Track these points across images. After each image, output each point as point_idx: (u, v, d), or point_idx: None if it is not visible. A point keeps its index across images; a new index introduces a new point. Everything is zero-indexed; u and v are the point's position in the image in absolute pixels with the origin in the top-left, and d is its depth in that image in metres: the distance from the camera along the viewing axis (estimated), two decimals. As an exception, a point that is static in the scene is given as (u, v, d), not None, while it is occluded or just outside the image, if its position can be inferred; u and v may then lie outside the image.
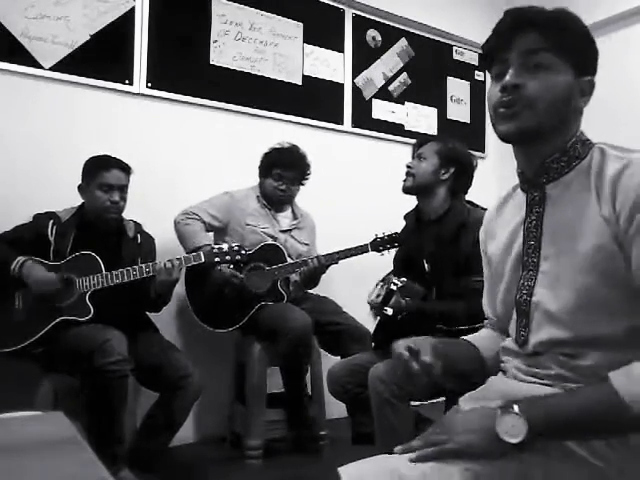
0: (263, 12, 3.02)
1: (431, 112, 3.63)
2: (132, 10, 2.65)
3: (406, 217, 2.15)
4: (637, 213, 0.86)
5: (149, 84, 2.68)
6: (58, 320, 2.02)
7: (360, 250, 2.38)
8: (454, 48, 3.76)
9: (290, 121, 3.08)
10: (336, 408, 2.48)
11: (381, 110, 3.42)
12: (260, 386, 2.43)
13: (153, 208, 2.54)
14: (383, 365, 1.71)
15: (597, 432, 0.86)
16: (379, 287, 1.86)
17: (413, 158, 2.05)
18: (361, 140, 3.36)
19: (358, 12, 3.35)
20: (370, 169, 3.32)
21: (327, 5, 3.24)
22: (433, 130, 3.60)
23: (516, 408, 0.84)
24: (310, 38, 3.17)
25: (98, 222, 2.19)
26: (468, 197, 2.07)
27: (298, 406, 2.54)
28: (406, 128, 3.50)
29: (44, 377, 2.04)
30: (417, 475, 0.84)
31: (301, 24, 3.14)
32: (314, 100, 3.18)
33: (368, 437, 1.82)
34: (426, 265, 1.92)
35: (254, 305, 2.43)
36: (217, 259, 2.20)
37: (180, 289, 2.46)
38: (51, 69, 2.46)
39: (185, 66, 2.79)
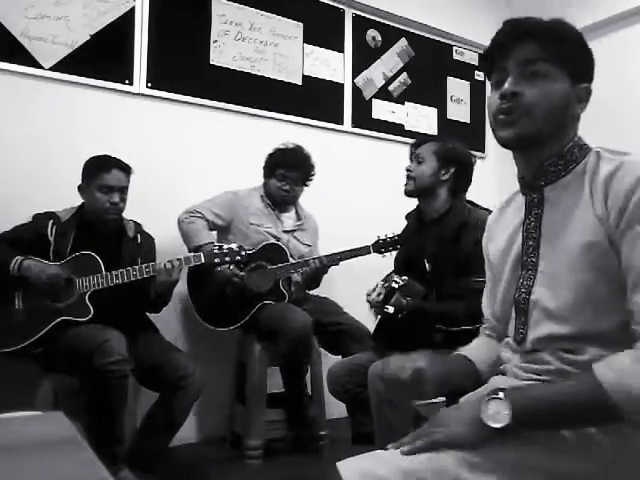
0: (263, 12, 3.02)
1: (431, 112, 3.63)
2: (132, 10, 2.65)
3: (407, 217, 2.15)
4: (626, 211, 0.90)
5: (149, 84, 2.68)
6: (58, 320, 2.02)
7: (362, 251, 2.40)
8: (454, 48, 3.76)
9: (290, 121, 3.08)
10: (336, 408, 2.48)
11: (381, 110, 3.42)
12: (260, 386, 2.43)
13: (153, 208, 2.54)
14: (382, 364, 1.70)
15: (579, 419, 0.89)
16: (380, 286, 1.86)
17: (411, 160, 2.04)
18: (361, 140, 3.36)
19: (358, 12, 3.35)
20: (370, 169, 3.32)
21: (327, 5, 3.24)
22: (433, 130, 3.60)
23: (501, 394, 0.89)
24: (310, 38, 3.17)
25: (98, 222, 2.19)
26: (468, 197, 2.07)
27: (298, 406, 2.54)
28: (406, 128, 3.50)
29: (44, 377, 2.04)
30: (413, 465, 0.87)
31: (301, 24, 3.14)
32: (314, 100, 3.18)
33: (368, 437, 1.82)
34: (427, 265, 1.92)
35: (255, 304, 2.44)
36: (217, 260, 2.19)
37: (181, 289, 2.46)
38: (51, 69, 2.46)
39: (185, 66, 2.79)
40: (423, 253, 1.95)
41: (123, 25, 2.62)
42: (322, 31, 3.23)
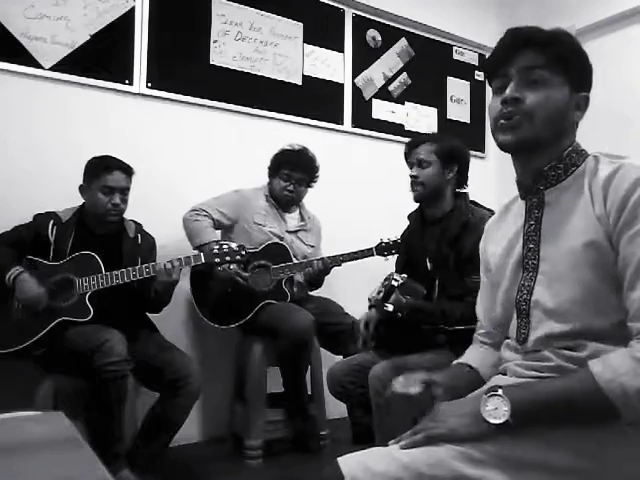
0: (263, 12, 3.02)
1: (431, 112, 3.63)
2: (132, 10, 2.65)
3: (410, 217, 2.15)
4: (624, 211, 0.92)
5: (149, 84, 2.68)
6: (58, 320, 2.02)
7: (365, 254, 2.45)
8: (454, 48, 3.75)
9: (290, 121, 3.08)
10: (336, 408, 2.48)
11: (381, 110, 3.42)
12: (260, 386, 2.44)
13: (153, 208, 2.54)
14: (383, 364, 1.70)
15: (577, 415, 0.90)
16: (380, 284, 1.86)
17: (407, 163, 2.03)
18: (361, 140, 3.36)
19: (358, 12, 3.35)
20: (370, 169, 3.32)
21: (327, 5, 3.24)
22: (433, 130, 3.59)
23: (500, 391, 0.91)
24: (310, 38, 3.17)
25: (98, 223, 2.19)
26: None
27: (298, 406, 2.54)
28: (406, 128, 3.49)
29: (44, 377, 2.04)
30: (412, 459, 0.89)
31: (301, 24, 3.14)
32: (314, 100, 3.17)
33: (368, 437, 1.82)
34: (429, 264, 1.92)
35: (258, 302, 2.44)
36: (217, 259, 2.19)
37: (181, 289, 2.46)
38: (51, 69, 2.46)
39: (185, 66, 2.79)
40: (425, 253, 1.95)
41: (123, 25, 2.62)
42: (322, 31, 3.22)
